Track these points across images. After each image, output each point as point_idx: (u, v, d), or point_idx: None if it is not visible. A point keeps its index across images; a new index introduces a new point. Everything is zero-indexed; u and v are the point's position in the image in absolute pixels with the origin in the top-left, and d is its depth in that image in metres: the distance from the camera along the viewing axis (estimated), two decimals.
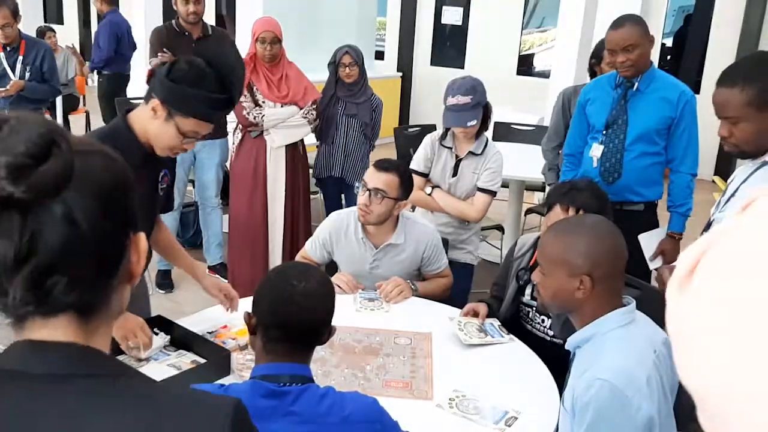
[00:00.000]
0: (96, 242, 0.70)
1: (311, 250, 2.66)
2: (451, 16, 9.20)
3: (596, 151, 3.01)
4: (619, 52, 2.84)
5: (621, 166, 2.97)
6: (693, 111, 2.93)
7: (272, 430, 1.32)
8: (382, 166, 2.56)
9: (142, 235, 0.78)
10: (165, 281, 4.26)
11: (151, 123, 1.93)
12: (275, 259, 3.86)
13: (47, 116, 4.61)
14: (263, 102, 3.67)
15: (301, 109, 3.73)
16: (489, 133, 3.34)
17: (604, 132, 2.99)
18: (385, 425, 1.40)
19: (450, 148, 3.02)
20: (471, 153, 2.98)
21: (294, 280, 1.41)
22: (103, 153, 0.75)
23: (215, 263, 4.43)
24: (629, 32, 2.82)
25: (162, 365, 1.96)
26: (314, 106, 3.79)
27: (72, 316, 0.72)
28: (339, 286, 2.39)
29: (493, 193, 3.01)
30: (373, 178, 2.52)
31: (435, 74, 9.25)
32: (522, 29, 8.88)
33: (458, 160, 3.01)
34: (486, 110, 2.96)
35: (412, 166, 3.10)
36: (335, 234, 2.61)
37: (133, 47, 6.40)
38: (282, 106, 3.70)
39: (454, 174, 3.02)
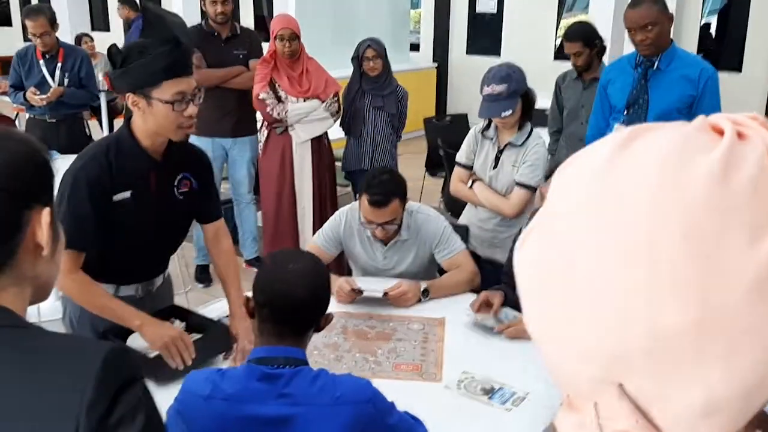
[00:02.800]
0: None
1: (324, 244, 2.63)
2: (486, 4, 9.12)
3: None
4: (638, 31, 2.81)
5: None
6: (715, 87, 2.87)
7: (266, 412, 1.38)
8: (378, 201, 2.41)
9: (46, 210, 0.87)
10: (203, 275, 4.39)
11: (145, 119, 1.89)
12: None
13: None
14: (285, 98, 3.75)
15: (323, 102, 3.79)
16: None
17: (625, 112, 2.97)
18: (377, 406, 1.42)
19: (491, 139, 2.90)
20: (510, 144, 2.83)
21: (282, 260, 1.47)
22: (10, 136, 0.86)
23: (251, 257, 4.54)
24: (647, 11, 2.79)
25: None
26: (336, 98, 3.85)
27: None
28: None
29: (531, 189, 2.81)
30: (378, 215, 2.43)
31: (471, 63, 9.18)
32: (560, 13, 8.74)
33: (499, 152, 2.88)
34: (527, 98, 2.80)
35: (457, 158, 3.04)
36: (348, 230, 2.62)
37: None
38: (304, 101, 3.76)
39: (495, 166, 2.88)
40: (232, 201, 4.61)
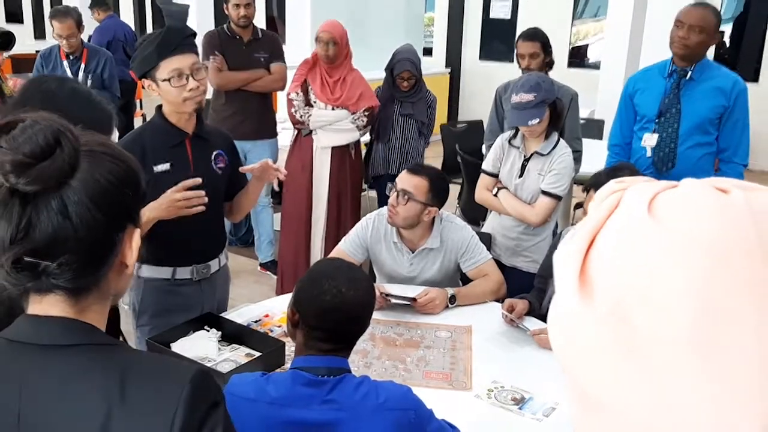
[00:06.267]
0: (86, 235, 0.80)
1: (350, 250, 2.63)
2: (500, 10, 9.14)
3: (650, 140, 2.99)
4: (685, 28, 2.85)
5: (675, 156, 2.95)
6: (745, 101, 2.90)
7: (310, 417, 1.39)
8: (414, 169, 2.57)
9: (137, 231, 0.88)
10: None
11: (163, 99, 2.15)
12: (316, 257, 3.92)
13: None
14: (315, 102, 3.76)
15: (352, 113, 3.78)
16: None
17: (656, 121, 2.98)
18: (419, 413, 1.44)
19: (518, 148, 2.92)
20: (537, 153, 2.85)
21: (343, 288, 1.44)
22: (112, 154, 0.85)
23: (266, 260, 4.55)
24: (705, 15, 2.84)
25: (218, 360, 2.03)
26: (368, 113, 3.81)
27: (63, 295, 0.83)
28: None
29: (556, 197, 2.85)
30: (403, 180, 2.53)
31: (484, 69, 9.21)
32: (573, 21, 8.76)
33: (525, 161, 2.89)
34: (555, 108, 2.81)
35: (483, 166, 3.05)
36: (375, 235, 2.63)
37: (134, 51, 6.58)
38: (333, 109, 3.76)
39: (521, 175, 2.91)
40: None
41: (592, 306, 0.45)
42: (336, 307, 1.43)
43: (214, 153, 2.26)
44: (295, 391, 1.41)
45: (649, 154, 2.99)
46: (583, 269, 0.46)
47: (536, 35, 3.58)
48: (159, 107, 2.21)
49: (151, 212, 2.05)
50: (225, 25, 4.20)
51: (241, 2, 4.04)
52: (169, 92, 2.09)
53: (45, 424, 0.80)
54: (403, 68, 3.92)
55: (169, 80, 2.06)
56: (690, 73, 2.91)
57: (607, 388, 0.45)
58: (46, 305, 0.84)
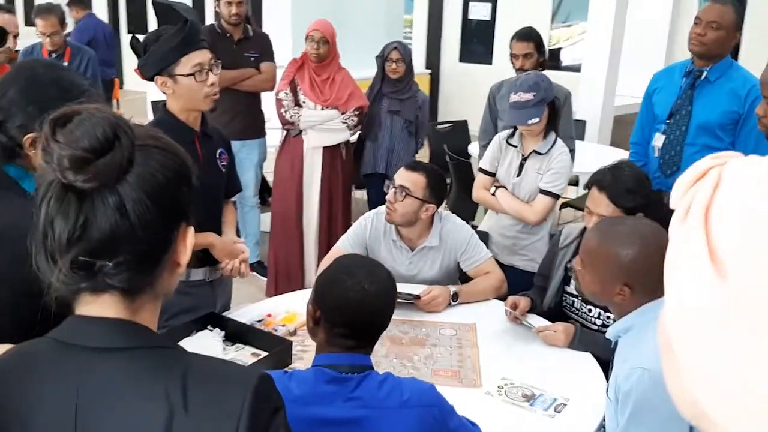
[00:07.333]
0: (143, 233, 0.77)
1: (348, 248, 2.58)
2: (479, 11, 9.19)
3: (657, 141, 2.95)
4: (701, 25, 2.78)
5: (680, 159, 2.88)
6: None
7: (334, 414, 1.38)
8: (411, 165, 2.60)
9: (191, 229, 0.86)
10: None
11: (175, 97, 2.11)
12: (309, 258, 3.91)
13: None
14: (304, 102, 3.73)
15: (342, 114, 3.76)
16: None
17: (666, 121, 2.93)
18: (442, 410, 1.44)
19: (516, 147, 2.92)
20: (535, 152, 2.86)
21: (365, 283, 1.43)
22: (165, 149, 0.83)
23: (252, 261, 4.50)
24: (723, 12, 2.77)
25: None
26: (357, 113, 3.79)
27: (118, 296, 0.81)
28: None
29: (555, 196, 2.86)
30: (400, 176, 2.55)
31: (463, 71, 9.26)
32: (551, 23, 8.85)
33: (523, 160, 2.90)
34: (553, 107, 2.82)
35: (480, 165, 3.05)
36: (374, 234, 2.62)
37: (112, 50, 6.53)
38: (322, 109, 3.74)
39: (519, 174, 2.91)
40: (234, 203, 4.59)
41: (728, 288, 0.44)
42: (359, 303, 1.42)
43: (218, 151, 2.26)
44: (318, 389, 1.39)
45: (656, 154, 2.95)
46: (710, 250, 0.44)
47: (530, 35, 3.59)
48: (163, 106, 2.17)
49: (215, 241, 2.18)
50: (215, 23, 4.15)
51: (233, 0, 3.99)
52: (191, 87, 2.06)
53: (104, 430, 0.77)
54: (392, 48, 3.90)
55: (192, 75, 2.04)
56: (705, 73, 2.83)
57: (752, 378, 0.42)
58: (101, 306, 0.81)
